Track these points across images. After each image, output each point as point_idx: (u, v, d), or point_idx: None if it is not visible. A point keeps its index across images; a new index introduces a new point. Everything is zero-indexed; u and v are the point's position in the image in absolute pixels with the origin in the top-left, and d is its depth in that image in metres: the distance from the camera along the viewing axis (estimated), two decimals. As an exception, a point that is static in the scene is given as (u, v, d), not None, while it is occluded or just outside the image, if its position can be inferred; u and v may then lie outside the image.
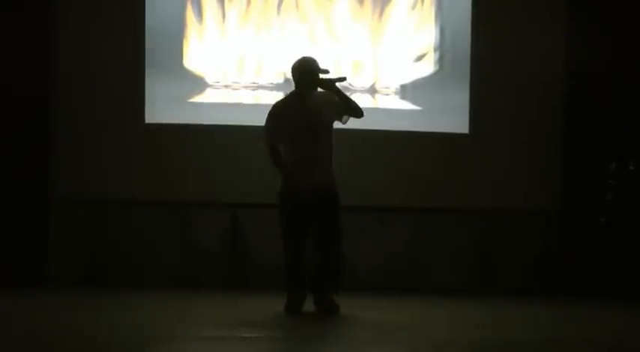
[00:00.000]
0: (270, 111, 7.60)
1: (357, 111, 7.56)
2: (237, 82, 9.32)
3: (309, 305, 7.57)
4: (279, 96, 8.86)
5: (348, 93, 7.73)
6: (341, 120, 7.62)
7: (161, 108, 9.26)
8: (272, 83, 9.26)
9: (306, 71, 7.48)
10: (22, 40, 9.10)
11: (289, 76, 9.04)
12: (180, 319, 7.32)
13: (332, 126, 7.57)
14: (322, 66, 7.49)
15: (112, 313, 7.63)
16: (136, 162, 9.23)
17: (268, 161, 7.53)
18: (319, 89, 7.48)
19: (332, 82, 7.46)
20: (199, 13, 9.28)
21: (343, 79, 7.55)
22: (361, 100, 9.05)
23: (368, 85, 9.31)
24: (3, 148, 9.10)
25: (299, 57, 7.58)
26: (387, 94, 9.34)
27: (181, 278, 9.23)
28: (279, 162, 7.49)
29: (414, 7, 9.35)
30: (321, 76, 7.47)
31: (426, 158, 9.31)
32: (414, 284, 9.21)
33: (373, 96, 9.31)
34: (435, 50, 9.36)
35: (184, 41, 9.29)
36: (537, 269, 9.32)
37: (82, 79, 9.23)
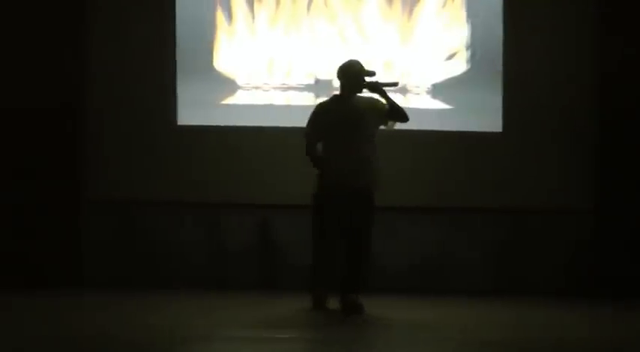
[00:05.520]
0: (314, 110, 7.72)
1: (402, 116, 7.69)
2: (267, 84, 9.32)
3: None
4: (309, 97, 8.88)
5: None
6: (386, 125, 7.72)
7: (192, 110, 9.28)
8: (302, 84, 9.24)
9: (351, 74, 7.60)
10: (54, 41, 9.16)
11: (320, 76, 9.08)
12: (212, 320, 7.36)
13: (375, 130, 7.64)
14: (369, 68, 7.61)
15: (143, 313, 7.68)
16: (167, 163, 9.26)
17: (305, 159, 7.64)
18: (365, 92, 7.63)
19: (380, 85, 7.60)
20: (229, 14, 9.29)
21: (395, 84, 7.81)
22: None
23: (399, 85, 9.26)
24: (35, 149, 9.15)
25: (345, 60, 7.68)
26: (418, 94, 9.30)
27: (212, 279, 9.23)
28: (316, 157, 7.59)
29: (444, 6, 9.30)
30: (369, 78, 7.58)
31: (457, 157, 9.26)
32: (444, 285, 9.17)
33: (404, 96, 9.26)
34: (466, 49, 9.30)
35: (214, 43, 9.29)
36: (569, 270, 9.23)
37: (113, 81, 9.27)
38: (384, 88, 7.63)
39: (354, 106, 7.57)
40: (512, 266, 9.30)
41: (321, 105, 7.78)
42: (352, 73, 7.59)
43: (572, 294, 9.06)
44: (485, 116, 9.30)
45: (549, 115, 9.30)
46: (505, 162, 9.30)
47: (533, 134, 9.32)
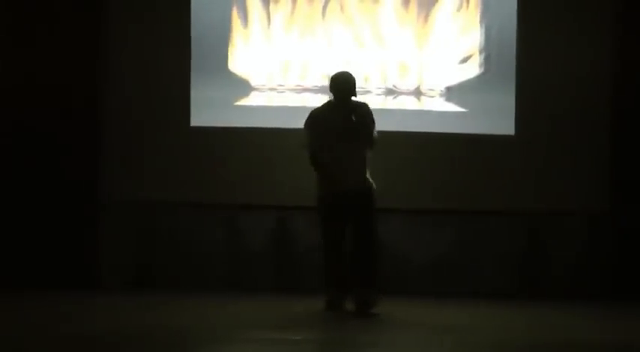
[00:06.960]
0: (306, 120, 7.91)
1: (372, 142, 7.86)
2: (281, 85, 9.34)
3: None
4: (324, 98, 8.87)
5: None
6: None
7: (207, 111, 9.30)
8: (317, 86, 9.25)
9: (342, 87, 7.84)
10: (72, 42, 9.19)
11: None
12: (228, 321, 7.39)
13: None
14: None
15: (160, 314, 7.72)
16: (182, 164, 9.27)
17: (310, 166, 7.83)
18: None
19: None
20: (245, 16, 9.31)
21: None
22: (406, 103, 9.20)
23: (413, 87, 9.30)
24: (52, 150, 9.17)
25: (338, 71, 7.96)
26: (433, 96, 9.32)
27: (229, 280, 9.26)
28: (321, 166, 7.78)
29: (459, 9, 9.32)
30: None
31: (471, 160, 9.27)
32: (460, 287, 9.18)
33: (418, 99, 9.30)
34: (480, 52, 9.31)
35: (230, 44, 9.32)
36: (584, 272, 9.23)
37: (129, 82, 9.28)
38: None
39: (348, 111, 7.77)
40: (526, 268, 9.29)
41: (315, 112, 7.95)
42: (342, 85, 7.83)
43: (586, 297, 9.04)
44: (499, 119, 9.30)
45: (562, 118, 9.30)
46: (518, 164, 9.31)
47: (546, 136, 9.32)
